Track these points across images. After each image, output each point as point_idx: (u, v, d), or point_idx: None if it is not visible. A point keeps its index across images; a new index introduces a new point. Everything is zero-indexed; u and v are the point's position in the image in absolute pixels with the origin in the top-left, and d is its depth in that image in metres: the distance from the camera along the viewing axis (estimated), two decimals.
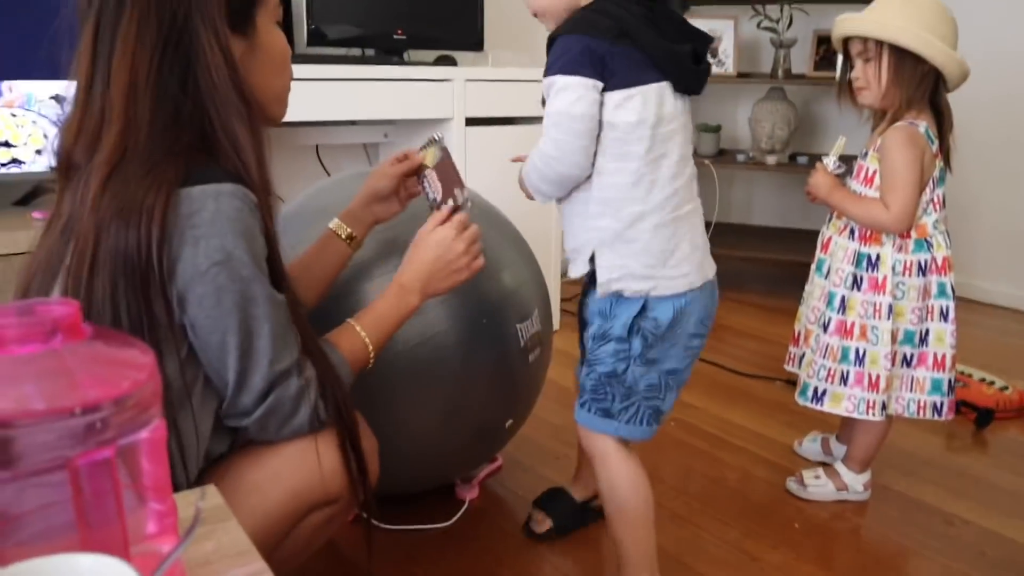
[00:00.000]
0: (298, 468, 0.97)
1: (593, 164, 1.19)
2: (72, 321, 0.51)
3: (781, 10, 3.17)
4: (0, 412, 0.46)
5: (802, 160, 3.20)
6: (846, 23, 1.53)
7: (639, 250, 1.20)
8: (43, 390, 0.48)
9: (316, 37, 2.38)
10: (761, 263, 3.23)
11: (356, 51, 2.52)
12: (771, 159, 3.22)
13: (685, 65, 1.19)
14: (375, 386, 1.33)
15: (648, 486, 1.31)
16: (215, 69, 0.87)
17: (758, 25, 3.22)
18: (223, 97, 0.87)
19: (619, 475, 1.29)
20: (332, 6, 2.39)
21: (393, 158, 1.32)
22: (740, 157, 3.32)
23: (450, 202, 1.20)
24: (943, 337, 1.58)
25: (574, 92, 1.14)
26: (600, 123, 1.17)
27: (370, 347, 1.08)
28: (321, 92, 2.13)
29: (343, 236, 1.29)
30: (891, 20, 1.46)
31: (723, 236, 3.29)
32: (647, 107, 1.16)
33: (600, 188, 1.20)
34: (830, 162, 1.61)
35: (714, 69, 3.26)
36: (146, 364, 0.51)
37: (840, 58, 1.64)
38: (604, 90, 1.15)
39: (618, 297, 1.23)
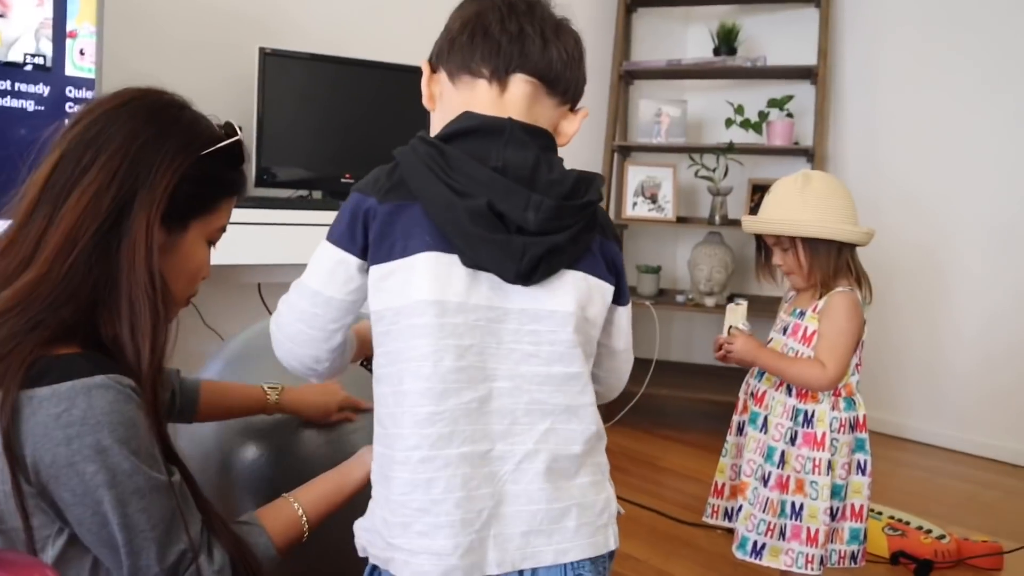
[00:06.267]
0: None
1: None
2: None
3: (717, 160, 3.32)
4: None
5: (740, 302, 3.28)
6: (757, 224, 1.66)
7: (387, 495, 0.85)
8: None
9: (264, 178, 2.42)
10: (701, 403, 3.27)
11: (303, 192, 2.56)
12: (709, 301, 3.30)
13: (466, 228, 0.81)
14: None
15: None
16: (138, 249, 0.89)
17: (696, 173, 3.37)
18: (137, 276, 0.89)
19: None
20: (281, 148, 2.45)
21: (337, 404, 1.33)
22: (679, 298, 3.40)
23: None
24: (860, 489, 1.62)
25: (317, 260, 0.91)
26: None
27: (305, 523, 1.05)
28: (266, 235, 2.15)
29: (270, 400, 1.30)
30: (796, 215, 1.59)
31: (663, 375, 3.33)
32: (410, 288, 0.83)
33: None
34: (742, 325, 1.70)
35: (654, 214, 3.38)
36: None
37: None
38: (370, 263, 0.87)
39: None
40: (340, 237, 0.88)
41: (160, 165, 0.91)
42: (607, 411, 3.39)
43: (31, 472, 0.82)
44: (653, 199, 3.43)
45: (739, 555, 1.63)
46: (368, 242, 0.87)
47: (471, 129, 0.87)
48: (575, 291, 0.88)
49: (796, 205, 1.59)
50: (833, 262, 1.59)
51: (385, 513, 0.85)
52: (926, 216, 3.23)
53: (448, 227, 0.82)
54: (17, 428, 0.80)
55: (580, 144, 3.59)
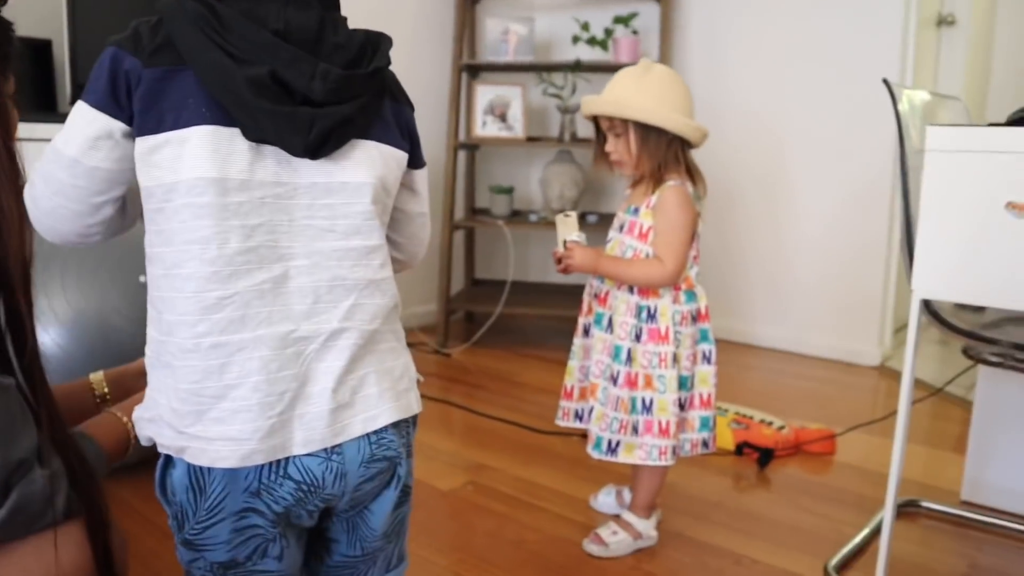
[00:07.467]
0: (35, 568, 0.86)
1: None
2: None
3: (565, 78, 3.31)
4: None
5: (592, 219, 3.32)
6: (591, 104, 1.65)
7: (173, 383, 0.79)
8: None
9: (79, 95, 2.22)
10: (558, 320, 3.32)
11: None
12: None
13: (247, 100, 0.74)
14: None
15: None
16: None
17: (544, 92, 3.34)
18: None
19: None
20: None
21: None
22: (533, 217, 3.41)
23: None
24: (707, 378, 1.68)
25: (75, 125, 0.79)
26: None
27: (132, 430, 1.03)
28: None
29: (97, 395, 1.19)
30: (630, 99, 1.59)
31: (521, 295, 3.35)
32: (183, 164, 0.75)
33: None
34: (576, 236, 1.70)
35: (504, 133, 3.35)
36: None
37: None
38: (135, 135, 0.78)
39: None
40: (101, 100, 0.77)
41: None
42: (465, 333, 3.41)
43: None
44: (503, 118, 3.39)
45: (595, 455, 1.66)
46: (133, 109, 0.77)
47: None
48: (368, 161, 0.83)
49: (632, 90, 1.60)
50: (663, 153, 1.60)
51: (173, 403, 0.79)
52: (768, 129, 3.35)
53: (226, 98, 0.74)
54: None
55: (427, 63, 3.49)
